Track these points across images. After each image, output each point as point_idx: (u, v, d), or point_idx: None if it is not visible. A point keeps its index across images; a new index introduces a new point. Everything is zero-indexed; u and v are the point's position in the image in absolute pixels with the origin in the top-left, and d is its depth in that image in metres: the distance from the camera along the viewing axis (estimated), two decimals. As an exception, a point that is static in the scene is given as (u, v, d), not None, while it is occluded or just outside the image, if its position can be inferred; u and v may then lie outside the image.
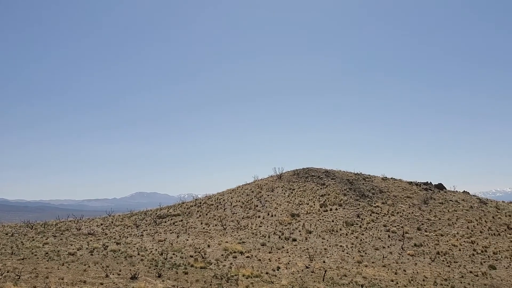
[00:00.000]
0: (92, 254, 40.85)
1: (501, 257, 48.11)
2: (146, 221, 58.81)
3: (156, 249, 44.50)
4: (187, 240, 49.42)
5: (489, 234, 55.48)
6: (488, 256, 48.18)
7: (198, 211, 62.64)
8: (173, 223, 57.29)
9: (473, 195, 75.27)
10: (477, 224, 58.44)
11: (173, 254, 42.89)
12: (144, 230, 53.84)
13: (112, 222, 58.75)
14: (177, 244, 47.14)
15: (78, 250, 42.29)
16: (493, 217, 61.69)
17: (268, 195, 67.82)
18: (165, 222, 58.17)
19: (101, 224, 57.11)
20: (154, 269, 36.63)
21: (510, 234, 55.83)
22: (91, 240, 47.67)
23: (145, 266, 37.85)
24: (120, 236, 50.43)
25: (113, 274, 34.21)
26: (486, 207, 66.79)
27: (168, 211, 63.91)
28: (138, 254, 42.06)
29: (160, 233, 52.73)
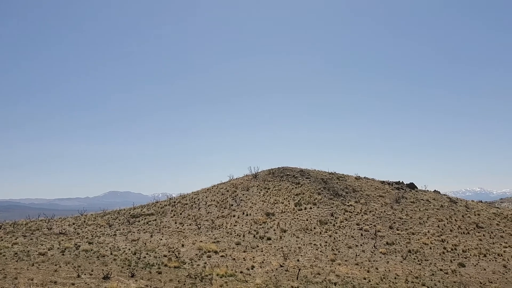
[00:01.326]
0: (63, 254, 40.09)
1: (470, 255, 49.35)
2: (119, 220, 58.07)
3: (129, 249, 43.99)
4: (161, 239, 49.02)
5: (458, 232, 56.84)
6: (458, 254, 49.36)
7: (172, 211, 62.20)
8: (147, 223, 56.74)
9: (444, 195, 77.01)
10: (447, 223, 59.80)
11: (147, 253, 42.49)
12: (117, 230, 53.14)
13: (84, 221, 57.79)
14: (150, 244, 46.72)
15: (49, 250, 41.42)
16: (462, 216, 63.24)
17: (243, 194, 67.85)
18: (139, 221, 57.56)
19: (73, 224, 56.11)
20: (127, 269, 36.22)
21: (479, 232, 57.32)
22: (62, 240, 46.78)
23: (118, 266, 37.39)
24: (92, 236, 49.65)
25: (85, 274, 33.69)
26: (456, 206, 68.41)
27: (141, 210, 63.26)
28: (111, 253, 41.50)
29: (134, 232, 52.15)
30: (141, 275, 34.91)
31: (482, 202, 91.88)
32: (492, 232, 57.62)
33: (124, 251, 43.11)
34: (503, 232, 58.17)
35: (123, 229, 53.71)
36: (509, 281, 42.29)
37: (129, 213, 61.93)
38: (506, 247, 52.48)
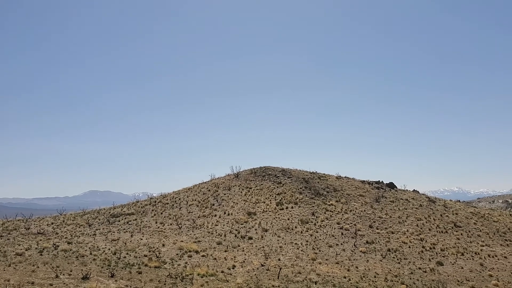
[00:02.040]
0: (41, 254, 39.49)
1: (448, 253, 50.16)
2: (99, 220, 57.41)
3: (109, 249, 43.53)
4: (141, 239, 48.64)
5: (437, 231, 57.72)
6: (436, 253, 50.13)
7: (153, 210, 61.75)
8: (127, 222, 56.23)
9: (423, 194, 78.12)
10: (426, 222, 60.67)
11: (127, 253, 42.12)
12: (97, 229, 52.54)
13: (63, 221, 56.97)
14: (131, 244, 46.32)
15: (26, 250, 40.76)
16: (441, 215, 64.24)
17: (225, 194, 67.74)
18: (119, 221, 57.00)
19: (52, 223, 55.26)
20: (107, 269, 35.87)
21: (456, 231, 58.29)
22: (40, 240, 46.07)
23: (98, 266, 37.00)
24: (71, 236, 49.00)
25: (63, 274, 33.26)
26: (435, 205, 69.45)
27: (122, 210, 62.64)
28: (91, 253, 41.03)
29: (114, 232, 51.63)
30: (121, 275, 34.62)
31: (460, 201, 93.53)
32: (469, 231, 58.66)
33: (104, 251, 42.66)
34: (480, 231, 59.28)
35: (103, 228, 53.14)
36: (486, 279, 43.13)
37: (109, 212, 61.28)
38: (483, 246, 53.51)
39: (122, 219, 57.79)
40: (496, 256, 50.30)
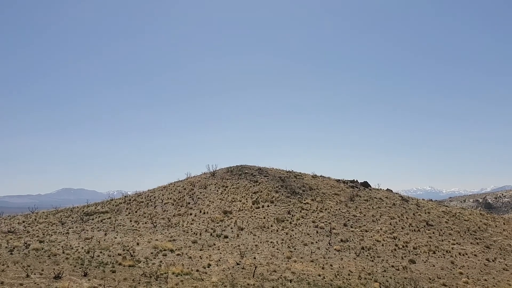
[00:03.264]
0: (12, 253, 38.60)
1: (420, 251, 51.13)
2: (72, 218, 56.49)
3: (82, 247, 42.85)
4: (116, 238, 48.04)
5: (409, 230, 58.76)
6: (409, 251, 51.02)
7: (127, 208, 61.08)
8: (101, 221, 55.48)
9: (396, 193, 79.41)
10: (399, 221, 61.69)
11: (101, 252, 41.53)
12: (70, 228, 51.68)
13: (35, 219, 55.87)
14: (104, 242, 45.70)
15: (-4, 249, 39.82)
16: (413, 214, 65.42)
17: (200, 192, 67.48)
18: (93, 219, 56.20)
19: (23, 222, 54.13)
20: (79, 268, 35.31)
21: (428, 230, 59.46)
22: (11, 239, 45.03)
23: (70, 265, 36.38)
24: (43, 234, 48.06)
25: (34, 274, 32.60)
26: (408, 204, 70.68)
27: (95, 208, 61.77)
28: (63, 252, 40.31)
29: (87, 230, 50.88)
30: (94, 274, 34.13)
31: (432, 200, 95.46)
32: (441, 230, 59.92)
33: (77, 249, 41.97)
34: (452, 229, 60.62)
35: (76, 227, 52.31)
36: (456, 276, 44.13)
37: (83, 210, 60.35)
38: (454, 244, 54.74)
39: (96, 217, 57.00)
40: (466, 254, 51.52)
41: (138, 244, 45.76)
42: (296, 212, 61.03)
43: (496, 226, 65.35)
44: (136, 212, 59.63)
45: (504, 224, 67.89)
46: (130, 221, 55.79)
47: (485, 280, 43.85)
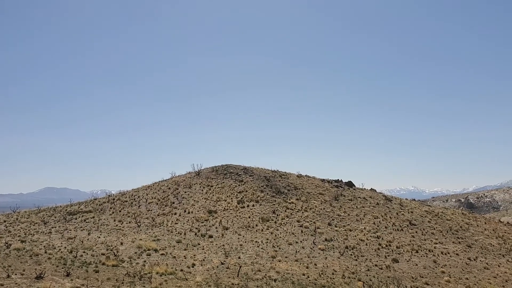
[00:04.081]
0: (-8, 254, 38.03)
1: (403, 251, 51.63)
2: (55, 217, 55.83)
3: (65, 247, 42.40)
4: (99, 237, 47.63)
5: (393, 229, 59.31)
6: (392, 250, 51.49)
7: (111, 208, 60.59)
8: (84, 220, 54.94)
9: (380, 193, 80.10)
10: (383, 220, 62.24)
11: (84, 252, 41.15)
12: (52, 227, 51.07)
13: (17, 218, 55.07)
14: (88, 242, 45.27)
15: (-24, 249, 39.17)
16: (397, 214, 66.05)
17: (185, 192, 67.23)
18: (76, 219, 55.62)
19: (4, 221, 53.31)
20: (62, 268, 34.93)
21: (411, 229, 60.08)
22: (-8, 239, 44.36)
23: (53, 265, 35.98)
24: (25, 234, 47.42)
25: (15, 274, 32.15)
26: (391, 204, 71.35)
27: (79, 207, 61.14)
28: (45, 252, 39.83)
29: (70, 230, 50.35)
30: (77, 274, 33.80)
31: (415, 200, 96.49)
32: (424, 229, 60.59)
33: (60, 249, 41.52)
34: (434, 229, 61.34)
35: (59, 226, 51.73)
36: (439, 275, 44.67)
37: (66, 210, 59.68)
38: (437, 244, 55.38)
39: (79, 216, 56.43)
40: (448, 253, 52.18)
41: (122, 243, 45.43)
42: (281, 212, 61.18)
43: (477, 225, 66.30)
44: (120, 211, 59.17)
45: (485, 223, 68.91)
46: (114, 220, 55.35)
47: (467, 279, 44.46)
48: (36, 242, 43.69)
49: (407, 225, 61.50)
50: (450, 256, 51.18)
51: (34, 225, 51.89)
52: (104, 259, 38.83)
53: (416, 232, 59.19)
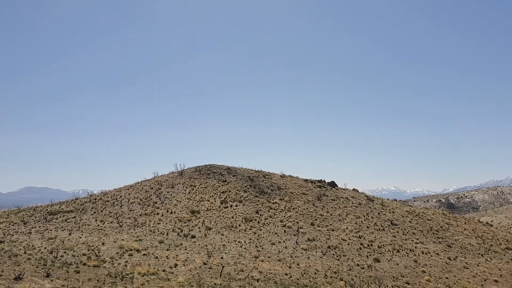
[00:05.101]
0: (-30, 254, 37.32)
1: (385, 250, 52.17)
2: (35, 217, 55.02)
3: (45, 247, 41.81)
4: (80, 237, 47.10)
5: (374, 229, 59.88)
6: (374, 250, 51.98)
7: (92, 208, 59.97)
8: (65, 220, 54.27)
9: (362, 193, 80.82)
10: (365, 220, 62.79)
11: (65, 252, 40.64)
12: (32, 227, 50.33)
13: (-5, 219, 54.13)
14: (69, 242, 44.73)
15: (-47, 250, 38.38)
16: (378, 214, 66.70)
17: (168, 192, 66.89)
18: (57, 218, 54.91)
19: (-17, 222, 52.36)
20: (42, 269, 34.45)
21: (393, 229, 60.74)
22: (-31, 239, 43.52)
23: (32, 265, 35.45)
24: (4, 234, 46.61)
25: (-6, 275, 31.62)
26: (373, 204, 72.02)
27: (60, 207, 60.36)
28: (25, 252, 39.21)
29: (51, 230, 49.69)
30: (57, 275, 33.39)
31: (396, 200, 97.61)
32: (405, 229, 61.30)
33: (40, 249, 40.93)
34: (415, 229, 62.10)
35: (39, 226, 51.01)
36: (419, 275, 45.23)
37: (47, 210, 58.85)
38: (417, 243, 56.08)
39: (60, 216, 55.73)
40: (429, 253, 52.88)
41: (103, 244, 45.00)
42: (264, 212, 61.28)
43: (457, 225, 67.33)
44: (101, 211, 58.61)
45: (465, 223, 70.04)
46: (96, 220, 54.80)
47: (447, 278, 45.13)
48: (15, 243, 42.99)
49: (389, 225, 62.15)
50: (431, 256, 51.87)
51: (13, 225, 51.04)
52: (85, 260, 38.41)
53: (397, 232, 59.85)
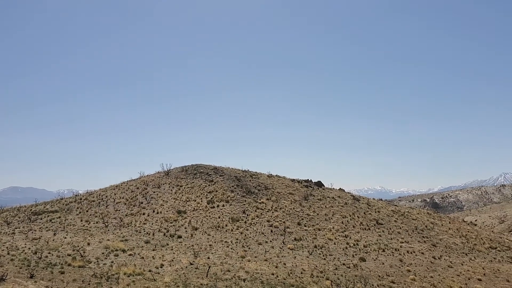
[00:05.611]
0: (-48, 255, 36.70)
1: (370, 250, 52.53)
2: (19, 218, 54.34)
3: (29, 248, 41.30)
4: (65, 238, 46.62)
5: (360, 228, 60.27)
6: (359, 249, 52.31)
7: (78, 208, 59.40)
8: (50, 220, 53.68)
9: (348, 192, 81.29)
10: (351, 219, 63.17)
11: (49, 253, 40.18)
12: (16, 228, 49.67)
13: (-22, 219, 53.34)
14: (53, 243, 44.25)
15: None
16: (364, 213, 67.14)
17: (154, 192, 66.55)
18: (41, 219, 54.29)
19: (-35, 222, 51.57)
20: (26, 269, 34.03)
21: (378, 228, 61.20)
22: (-49, 240, 42.81)
23: (16, 266, 34.99)
24: (-13, 235, 45.97)
25: (-23, 276, 31.15)
26: (359, 203, 72.47)
27: (44, 207, 59.69)
28: (8, 253, 38.68)
29: (35, 230, 49.10)
30: (41, 276, 33.01)
31: (382, 200, 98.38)
32: (390, 228, 61.80)
33: (24, 250, 40.42)
34: (400, 228, 62.63)
35: (23, 227, 50.38)
36: (404, 274, 45.63)
37: (31, 210, 58.17)
38: (403, 243, 56.57)
39: (45, 217, 55.11)
40: (414, 252, 53.36)
41: (89, 244, 44.60)
42: (251, 212, 61.30)
43: (442, 225, 68.06)
44: (87, 211, 58.09)
45: (449, 223, 70.84)
46: (81, 220, 54.30)
47: (431, 277, 45.59)
48: (-1, 243, 42.40)
49: (374, 225, 62.60)
50: (416, 255, 52.35)
51: (-4, 226, 50.36)
52: (70, 260, 38.03)
53: (383, 231, 60.31)
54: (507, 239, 67.85)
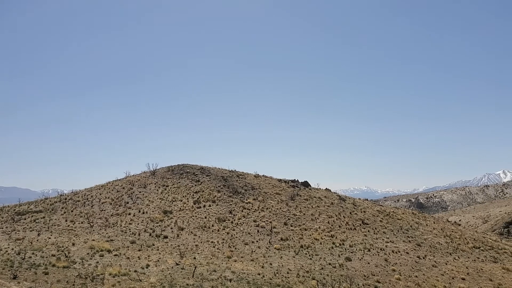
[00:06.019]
0: None
1: (356, 249, 52.86)
2: (2, 218, 53.57)
3: (12, 249, 40.78)
4: (50, 238, 46.11)
5: (346, 228, 60.60)
6: (345, 249, 52.61)
7: (63, 208, 58.76)
8: (34, 220, 53.02)
9: (334, 192, 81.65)
10: (337, 219, 63.48)
11: (33, 253, 39.72)
12: (-1, 228, 49.00)
13: (-40, 219, 52.48)
14: (37, 243, 43.75)
15: None
16: (350, 213, 67.51)
17: (140, 192, 66.13)
18: (25, 219, 53.59)
19: None
20: (9, 270, 33.59)
21: (364, 228, 61.58)
22: None
23: (-1, 267, 34.53)
24: (-31, 235, 45.28)
25: (-42, 277, 30.68)
26: (345, 203, 72.85)
27: (28, 207, 58.92)
28: (-9, 254, 38.18)
29: (19, 231, 48.47)
30: (25, 277, 32.61)
31: (368, 200, 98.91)
32: (376, 228, 62.24)
33: (7, 251, 39.90)
34: (386, 228, 63.11)
35: (7, 227, 49.70)
36: (389, 273, 46.00)
37: (14, 210, 57.37)
38: (388, 242, 57.01)
39: (29, 217, 54.42)
40: (399, 251, 53.81)
41: (73, 244, 44.19)
42: (238, 212, 61.27)
43: (427, 225, 68.72)
44: (72, 211, 57.51)
45: (434, 223, 71.54)
46: (66, 220, 53.74)
47: (416, 276, 46.02)
48: (-19, 244, 41.80)
49: (360, 224, 63.00)
50: (401, 255, 52.81)
51: (-21, 226, 49.62)
52: (54, 261, 37.63)
53: (368, 231, 60.72)
54: (490, 239, 68.83)
